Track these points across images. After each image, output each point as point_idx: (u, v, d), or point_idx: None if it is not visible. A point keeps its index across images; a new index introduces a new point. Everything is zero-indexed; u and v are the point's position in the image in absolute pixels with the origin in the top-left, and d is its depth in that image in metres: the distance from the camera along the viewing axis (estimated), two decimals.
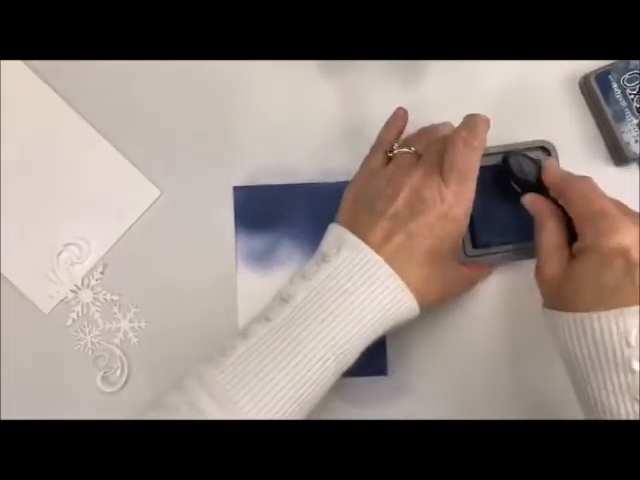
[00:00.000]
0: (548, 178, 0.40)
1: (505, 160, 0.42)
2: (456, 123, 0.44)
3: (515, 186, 0.43)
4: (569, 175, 0.39)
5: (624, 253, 0.33)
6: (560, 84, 0.47)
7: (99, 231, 0.46)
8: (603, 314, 0.33)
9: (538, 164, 0.41)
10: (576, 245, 0.36)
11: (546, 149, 0.44)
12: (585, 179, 0.38)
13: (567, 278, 0.36)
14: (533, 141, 0.44)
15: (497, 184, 0.43)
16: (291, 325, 0.36)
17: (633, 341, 0.32)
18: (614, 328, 0.32)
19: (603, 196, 0.36)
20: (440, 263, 0.39)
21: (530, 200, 0.41)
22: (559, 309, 0.36)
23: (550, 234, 0.38)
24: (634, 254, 0.33)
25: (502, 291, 0.46)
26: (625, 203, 0.38)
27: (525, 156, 0.42)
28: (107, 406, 0.45)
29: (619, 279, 0.33)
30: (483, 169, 0.44)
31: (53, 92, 0.46)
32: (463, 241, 0.44)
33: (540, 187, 0.41)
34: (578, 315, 0.34)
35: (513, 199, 0.43)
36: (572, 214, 0.37)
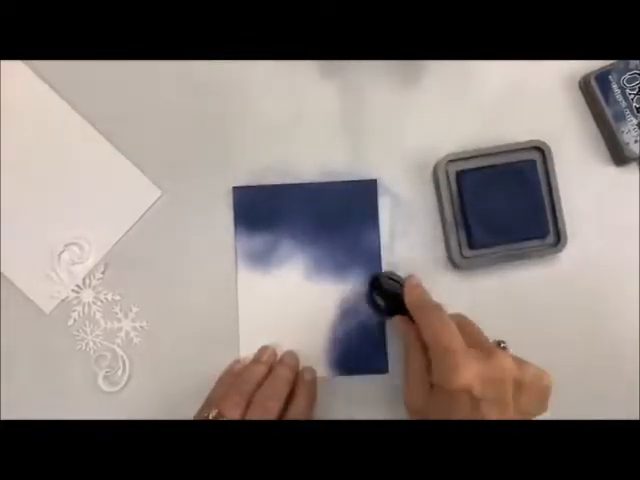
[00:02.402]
0: (407, 302, 0.40)
1: (374, 281, 0.44)
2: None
3: (382, 304, 0.43)
4: (423, 303, 0.39)
5: (467, 391, 0.34)
6: (560, 84, 0.47)
7: (100, 231, 0.46)
8: None
9: (403, 284, 0.42)
10: (431, 378, 0.37)
11: (540, 149, 0.44)
12: (435, 310, 0.38)
13: (427, 409, 0.37)
14: (528, 141, 0.45)
15: (368, 300, 0.44)
16: None
17: None
18: None
19: (450, 329, 0.36)
20: None
21: (397, 323, 0.42)
22: None
23: (412, 363, 0.39)
24: (477, 390, 0.34)
25: (500, 291, 0.46)
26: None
27: (391, 278, 0.43)
28: (108, 406, 0.45)
29: (468, 415, 0.34)
30: (480, 170, 0.44)
31: (53, 92, 0.46)
32: (459, 242, 0.45)
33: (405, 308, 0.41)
34: None
35: (510, 200, 0.44)
36: (425, 343, 0.37)
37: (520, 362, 0.36)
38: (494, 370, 0.34)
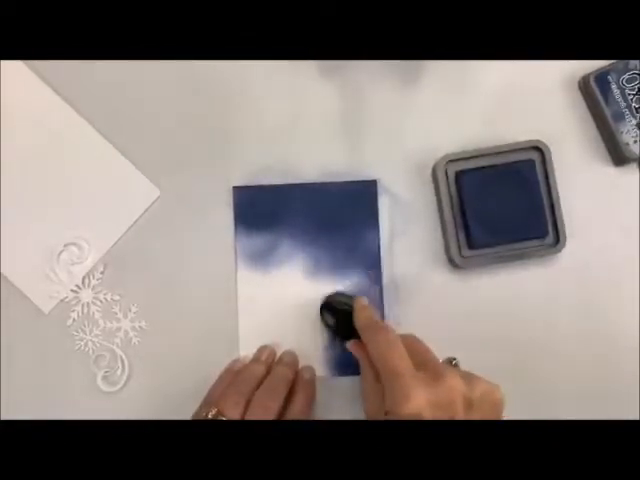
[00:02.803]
0: (356, 325, 0.40)
1: (326, 301, 0.44)
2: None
3: (332, 325, 0.44)
4: (370, 325, 0.39)
5: (418, 416, 0.34)
6: (560, 84, 0.47)
7: (99, 231, 0.46)
8: None
9: (351, 305, 0.42)
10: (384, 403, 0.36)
11: (540, 149, 0.45)
12: (382, 331, 0.38)
13: None
14: (527, 141, 0.45)
15: (321, 320, 0.44)
16: None
17: None
18: None
19: (397, 352, 0.36)
20: None
21: (351, 347, 0.42)
22: None
23: (367, 388, 0.39)
24: (427, 414, 0.34)
25: (499, 291, 0.46)
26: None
27: (342, 301, 0.43)
28: (107, 406, 0.45)
29: None
30: (479, 170, 0.44)
31: (53, 92, 0.46)
32: (458, 242, 0.45)
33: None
34: None
35: (509, 200, 0.44)
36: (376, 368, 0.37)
37: (469, 379, 0.36)
38: (443, 393, 0.34)
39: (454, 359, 0.39)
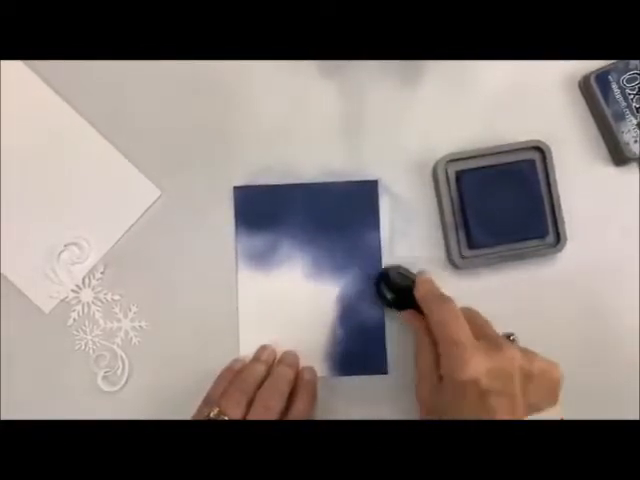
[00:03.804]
0: (417, 296, 0.41)
1: (383, 274, 0.44)
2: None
3: (390, 297, 0.43)
4: (433, 296, 0.40)
5: (475, 383, 0.34)
6: (560, 84, 0.47)
7: (100, 231, 0.46)
8: None
9: (413, 279, 0.42)
10: (439, 370, 0.37)
11: (540, 149, 0.45)
12: (444, 302, 0.38)
13: (436, 403, 0.37)
14: (527, 141, 0.45)
15: (377, 293, 0.44)
16: None
17: None
18: None
19: (458, 322, 0.37)
20: None
21: (406, 317, 0.42)
22: None
23: (422, 356, 0.39)
24: (484, 382, 0.34)
25: (499, 291, 0.46)
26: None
27: (401, 273, 0.43)
28: (107, 406, 0.45)
29: (474, 407, 0.34)
30: (479, 170, 0.44)
31: (53, 92, 0.46)
32: (458, 242, 0.45)
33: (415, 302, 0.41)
34: None
35: (509, 200, 0.44)
36: (434, 336, 0.38)
37: (529, 354, 0.36)
38: (502, 362, 0.35)
39: (512, 334, 0.39)
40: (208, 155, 0.46)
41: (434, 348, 0.38)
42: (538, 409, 0.35)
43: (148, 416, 0.44)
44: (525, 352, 0.36)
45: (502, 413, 0.34)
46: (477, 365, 0.34)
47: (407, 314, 0.42)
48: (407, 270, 0.44)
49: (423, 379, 0.39)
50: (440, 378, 0.37)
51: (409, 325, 0.43)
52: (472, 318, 0.38)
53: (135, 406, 0.45)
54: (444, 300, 0.39)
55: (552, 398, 0.36)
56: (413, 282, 0.42)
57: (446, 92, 0.46)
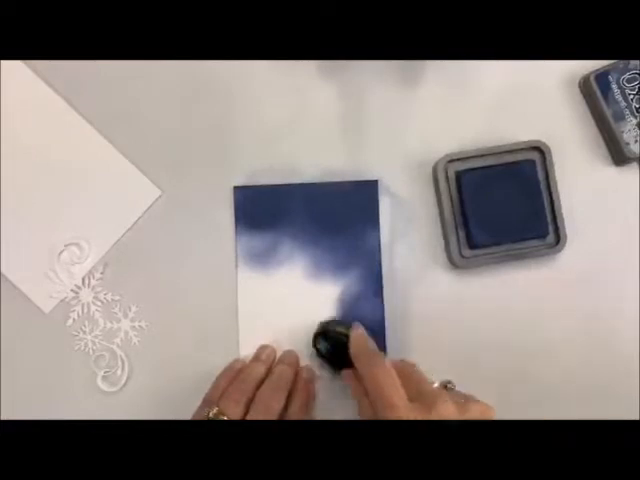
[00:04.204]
0: (351, 353, 0.40)
1: (320, 331, 0.43)
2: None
3: (326, 354, 0.43)
4: (365, 355, 0.39)
5: None
6: (560, 84, 0.47)
7: (99, 231, 0.46)
8: None
9: (348, 334, 0.41)
10: None
11: (540, 149, 0.45)
12: (376, 361, 0.38)
13: None
14: (527, 141, 0.45)
15: (314, 348, 0.44)
16: None
17: None
18: None
19: (392, 384, 0.36)
20: None
21: (345, 378, 0.42)
22: None
23: (362, 411, 0.39)
24: None
25: (499, 291, 0.46)
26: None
27: (336, 331, 0.43)
28: (107, 406, 0.45)
29: None
30: (479, 170, 0.44)
31: (53, 92, 0.46)
32: (458, 242, 0.45)
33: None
34: None
35: (510, 200, 0.44)
36: (369, 397, 0.37)
37: (463, 404, 0.36)
38: None
39: (449, 382, 0.39)
40: (208, 155, 0.46)
41: (373, 409, 0.37)
42: None
43: (148, 416, 0.44)
44: (459, 403, 0.36)
45: None
46: None
47: (346, 375, 0.42)
48: (346, 326, 0.43)
49: None
50: None
51: (347, 382, 0.42)
52: (406, 374, 0.38)
53: (135, 406, 0.45)
54: (376, 359, 0.38)
55: None
56: (348, 337, 0.41)
57: (446, 92, 0.46)
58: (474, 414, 0.36)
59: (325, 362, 0.44)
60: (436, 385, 0.38)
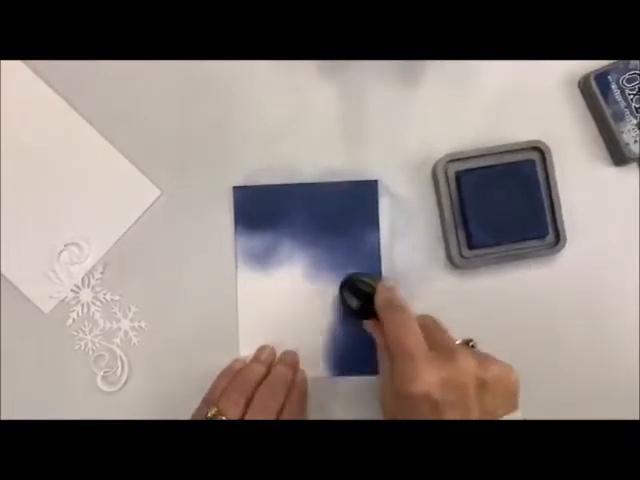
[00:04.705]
0: (376, 304, 0.40)
1: (347, 281, 0.44)
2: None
3: (354, 305, 0.43)
4: (390, 305, 0.39)
5: (427, 396, 0.34)
6: (560, 84, 0.47)
7: (99, 231, 0.46)
8: None
9: (374, 286, 0.41)
10: (393, 383, 0.36)
11: (540, 149, 0.45)
12: (399, 311, 0.38)
13: (395, 415, 0.36)
14: (528, 141, 0.45)
15: (340, 300, 0.44)
16: None
17: None
18: None
19: (411, 332, 0.36)
20: None
21: (369, 327, 0.41)
22: None
23: (382, 368, 0.39)
24: (436, 394, 0.34)
25: (499, 291, 0.46)
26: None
27: (364, 281, 0.43)
28: (107, 406, 0.45)
29: (429, 418, 0.34)
30: (479, 170, 0.44)
31: (53, 92, 0.46)
32: (458, 242, 0.45)
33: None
34: None
35: (509, 200, 0.44)
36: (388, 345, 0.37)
37: (484, 360, 0.36)
38: (454, 373, 0.34)
39: (471, 340, 0.39)
40: (208, 155, 0.46)
41: (391, 360, 0.37)
42: (496, 417, 0.35)
43: (147, 416, 0.44)
44: (480, 359, 0.36)
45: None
46: (428, 378, 0.34)
47: (369, 324, 0.41)
48: (372, 278, 0.43)
49: (384, 390, 0.38)
50: (396, 391, 0.36)
51: (371, 332, 0.42)
52: (428, 327, 0.37)
53: (134, 406, 0.45)
54: (399, 309, 0.38)
55: (509, 403, 0.35)
56: (374, 289, 0.41)
57: (446, 92, 0.46)
58: (494, 372, 0.35)
59: (350, 313, 0.44)
60: (458, 342, 0.38)
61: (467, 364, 0.35)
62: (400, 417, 0.36)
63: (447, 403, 0.34)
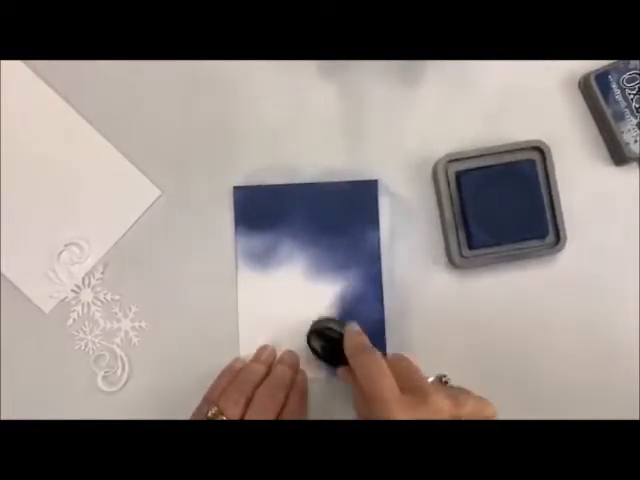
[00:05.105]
0: (345, 349, 0.40)
1: (314, 328, 0.43)
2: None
3: (321, 352, 0.43)
4: (359, 349, 0.39)
5: None
6: (560, 84, 0.47)
7: (99, 231, 0.46)
8: None
9: (340, 332, 0.41)
10: None
11: (540, 149, 0.45)
12: (369, 355, 0.38)
13: None
14: (527, 141, 0.45)
15: (309, 347, 0.44)
16: None
17: None
18: None
19: (383, 376, 0.36)
20: None
21: (340, 375, 0.42)
22: None
23: (359, 413, 0.39)
24: None
25: (499, 291, 0.46)
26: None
27: (328, 327, 0.43)
28: (107, 406, 0.45)
29: None
30: (479, 170, 0.44)
31: (53, 92, 0.46)
32: (458, 242, 0.45)
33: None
34: None
35: (510, 200, 0.44)
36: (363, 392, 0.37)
37: (457, 398, 0.35)
38: (429, 414, 0.34)
39: (444, 376, 0.39)
40: (208, 155, 0.46)
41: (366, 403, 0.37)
42: None
43: (148, 416, 0.44)
44: (454, 397, 0.35)
45: None
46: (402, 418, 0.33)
47: (341, 372, 0.42)
48: (338, 322, 0.43)
49: None
50: None
51: (343, 380, 0.42)
52: (400, 369, 0.37)
53: (135, 406, 0.45)
54: (369, 354, 0.38)
55: None
56: (342, 335, 0.41)
57: (446, 92, 0.46)
58: (469, 409, 0.35)
59: (320, 360, 0.44)
60: (431, 379, 0.38)
61: (441, 404, 0.34)
62: None
63: None
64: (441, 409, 0.34)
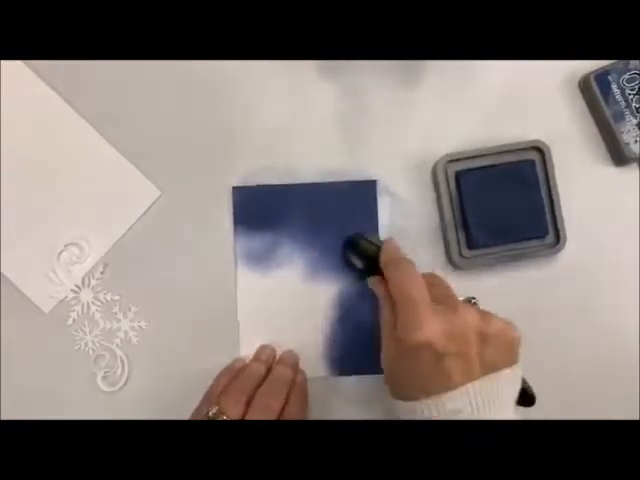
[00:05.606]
0: (381, 261, 0.40)
1: (350, 241, 0.44)
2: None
3: (358, 264, 0.43)
4: (393, 257, 0.39)
5: (429, 345, 0.34)
6: (560, 84, 0.47)
7: (99, 231, 0.46)
8: (424, 402, 0.34)
9: (380, 246, 0.41)
10: (396, 332, 0.36)
11: (540, 149, 0.45)
12: (404, 263, 0.38)
13: (396, 367, 0.37)
14: (528, 141, 0.45)
15: (344, 260, 0.44)
16: None
17: None
18: (436, 413, 0.34)
19: (415, 283, 0.36)
20: None
21: (373, 283, 0.41)
22: (397, 397, 0.36)
23: (384, 321, 0.39)
24: (439, 344, 0.34)
25: (499, 291, 0.46)
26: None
27: (368, 241, 0.43)
28: (107, 406, 0.45)
29: (431, 369, 0.34)
30: (479, 170, 0.44)
31: (53, 92, 0.46)
32: (458, 242, 0.45)
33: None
34: (410, 404, 0.35)
35: (509, 200, 0.44)
36: (394, 299, 0.37)
37: (486, 315, 0.36)
38: (457, 324, 0.34)
39: (473, 298, 0.39)
40: (208, 155, 0.46)
41: (394, 312, 0.37)
42: (495, 369, 0.35)
43: (147, 416, 0.44)
44: (483, 314, 0.36)
45: (457, 375, 0.34)
46: (432, 327, 0.34)
47: (373, 280, 0.41)
48: (376, 237, 0.43)
49: (384, 341, 0.38)
50: (398, 341, 0.36)
51: (374, 290, 0.41)
52: (432, 281, 0.38)
53: (134, 406, 0.45)
54: (405, 262, 0.38)
55: (510, 358, 0.36)
56: (379, 249, 0.41)
57: (446, 92, 0.46)
58: (496, 328, 0.35)
59: (354, 272, 0.44)
60: (461, 299, 0.38)
61: (470, 317, 0.35)
62: (401, 367, 0.36)
63: (448, 353, 0.34)
64: (469, 321, 0.35)
